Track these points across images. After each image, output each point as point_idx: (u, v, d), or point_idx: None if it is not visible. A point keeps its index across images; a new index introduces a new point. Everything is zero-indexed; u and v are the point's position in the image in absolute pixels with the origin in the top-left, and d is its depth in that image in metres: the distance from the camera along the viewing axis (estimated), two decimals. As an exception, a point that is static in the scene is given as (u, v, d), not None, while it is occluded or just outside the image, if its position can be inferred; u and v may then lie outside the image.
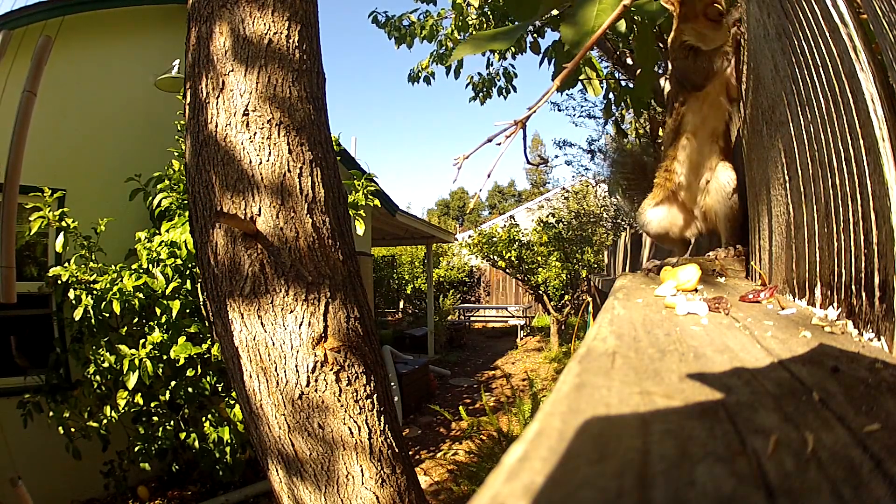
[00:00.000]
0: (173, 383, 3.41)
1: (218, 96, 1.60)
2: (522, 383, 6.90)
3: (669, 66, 1.23)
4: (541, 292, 9.74)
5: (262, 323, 1.52)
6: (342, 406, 1.52)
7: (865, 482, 0.23)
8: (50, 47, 2.76)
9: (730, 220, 1.13)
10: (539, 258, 9.61)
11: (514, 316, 12.72)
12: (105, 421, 3.38)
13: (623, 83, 3.40)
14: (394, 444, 1.59)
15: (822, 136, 0.61)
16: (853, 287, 0.54)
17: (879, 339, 0.49)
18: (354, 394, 1.54)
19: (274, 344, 1.51)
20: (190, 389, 3.43)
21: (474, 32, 4.22)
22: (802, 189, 0.70)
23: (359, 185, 4.12)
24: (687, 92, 1.14)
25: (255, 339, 1.52)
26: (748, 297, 0.73)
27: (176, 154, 3.86)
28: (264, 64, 1.60)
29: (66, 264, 3.39)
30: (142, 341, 3.31)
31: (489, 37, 1.14)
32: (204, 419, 3.52)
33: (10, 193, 2.63)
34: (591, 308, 6.17)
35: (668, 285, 0.78)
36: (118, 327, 3.46)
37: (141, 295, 3.33)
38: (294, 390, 1.50)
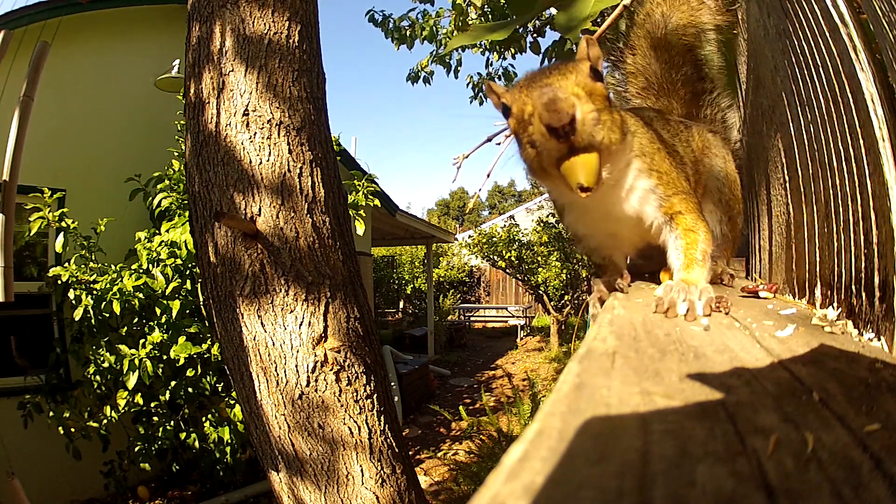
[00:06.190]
0: (173, 383, 3.40)
1: (218, 96, 1.60)
2: (523, 383, 6.90)
3: None
4: (541, 292, 9.74)
5: (262, 323, 1.52)
6: (342, 406, 1.52)
7: (865, 482, 0.23)
8: (47, 53, 2.78)
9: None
10: (539, 258, 9.60)
11: (514, 316, 12.71)
12: (105, 421, 3.38)
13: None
14: (394, 444, 1.59)
15: (822, 136, 0.61)
16: (853, 287, 0.54)
17: (879, 339, 0.49)
18: (354, 394, 1.54)
19: (274, 344, 1.51)
20: (190, 389, 3.42)
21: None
22: (802, 189, 0.70)
23: (359, 185, 4.12)
24: None
25: (255, 339, 1.52)
26: (748, 288, 0.75)
27: (176, 154, 3.86)
28: (264, 64, 1.60)
29: (66, 264, 3.39)
30: (142, 341, 3.31)
31: (487, 28, 1.15)
32: (204, 419, 3.52)
33: (9, 195, 2.65)
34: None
35: (668, 285, 0.78)
36: (118, 327, 3.45)
37: (141, 295, 3.33)
38: (294, 390, 1.50)
